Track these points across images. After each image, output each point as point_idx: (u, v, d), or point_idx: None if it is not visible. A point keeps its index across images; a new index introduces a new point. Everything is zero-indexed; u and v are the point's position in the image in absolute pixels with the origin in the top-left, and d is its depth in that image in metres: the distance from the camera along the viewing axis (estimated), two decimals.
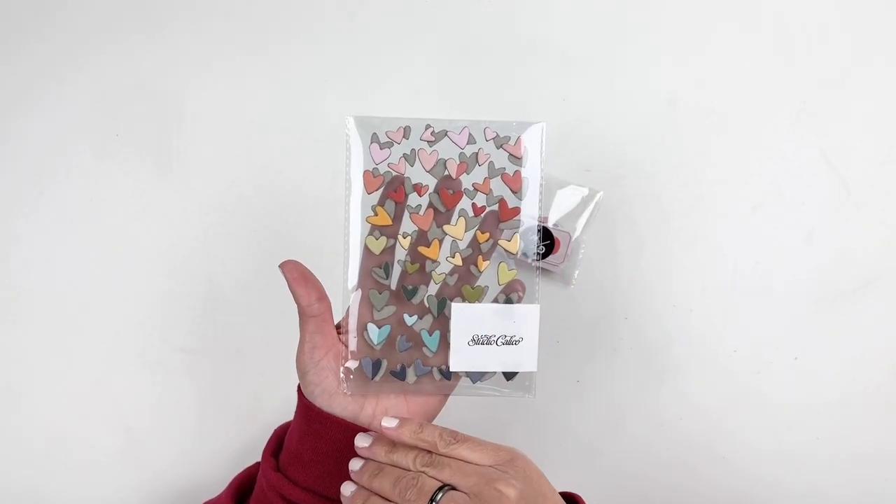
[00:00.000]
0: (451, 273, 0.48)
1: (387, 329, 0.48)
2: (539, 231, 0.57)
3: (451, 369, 0.48)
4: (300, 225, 0.68)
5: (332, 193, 0.68)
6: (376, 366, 0.48)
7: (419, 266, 0.48)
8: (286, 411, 0.62)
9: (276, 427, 0.53)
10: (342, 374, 0.48)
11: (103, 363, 0.66)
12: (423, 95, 0.68)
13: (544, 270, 0.64)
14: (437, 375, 0.48)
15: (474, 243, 0.48)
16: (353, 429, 0.46)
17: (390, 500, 0.41)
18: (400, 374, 0.48)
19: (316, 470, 0.47)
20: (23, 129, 0.67)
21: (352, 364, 0.48)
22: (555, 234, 0.62)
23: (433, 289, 0.48)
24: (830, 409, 0.63)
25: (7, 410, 0.66)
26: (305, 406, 0.47)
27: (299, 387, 0.49)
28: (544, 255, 0.61)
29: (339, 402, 0.47)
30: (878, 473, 0.63)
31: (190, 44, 0.68)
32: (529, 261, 0.49)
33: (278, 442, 0.51)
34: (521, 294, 0.48)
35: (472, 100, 0.66)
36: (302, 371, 0.47)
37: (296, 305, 0.47)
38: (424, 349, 0.48)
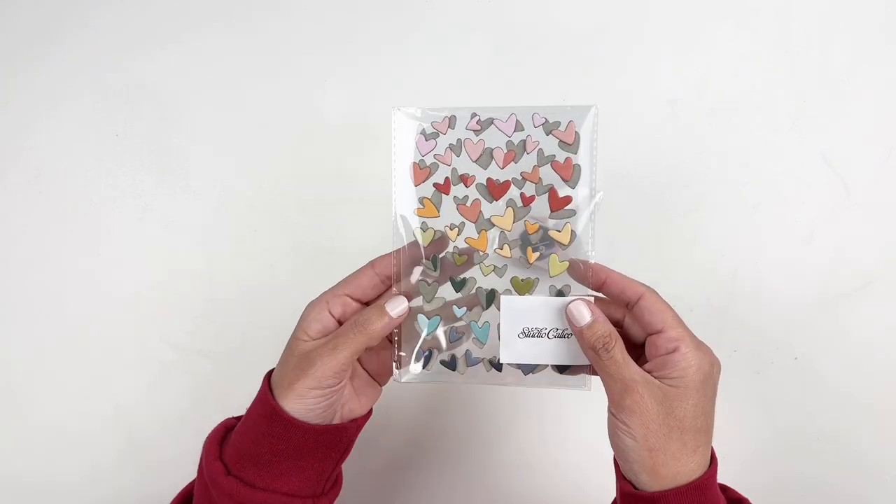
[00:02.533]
0: (501, 265, 0.47)
1: (436, 320, 0.48)
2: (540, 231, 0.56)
3: (501, 361, 0.47)
4: (300, 225, 0.68)
5: (333, 193, 0.67)
6: (427, 356, 0.48)
7: (467, 258, 0.47)
8: None
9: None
10: (394, 362, 0.48)
11: (103, 363, 0.65)
12: (420, 100, 0.67)
13: (544, 270, 0.64)
14: (487, 367, 0.48)
15: (524, 234, 0.47)
16: (316, 430, 0.45)
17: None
18: (451, 364, 0.48)
19: (275, 469, 0.46)
20: (23, 129, 0.67)
21: (404, 353, 0.48)
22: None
23: (482, 280, 0.48)
24: (830, 409, 0.63)
25: (7, 410, 0.65)
26: (272, 409, 0.45)
27: (268, 389, 0.46)
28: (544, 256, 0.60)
29: (314, 416, 0.45)
30: (878, 473, 0.63)
31: (190, 44, 0.67)
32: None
33: (221, 446, 0.48)
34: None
35: (472, 101, 0.65)
36: (321, 382, 0.44)
37: (344, 312, 0.46)
38: (474, 340, 0.48)
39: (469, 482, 0.65)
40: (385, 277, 0.47)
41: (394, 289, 0.47)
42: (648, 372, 0.43)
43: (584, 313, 0.44)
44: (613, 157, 0.63)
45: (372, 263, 0.48)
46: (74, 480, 0.64)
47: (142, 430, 0.64)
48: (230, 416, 0.50)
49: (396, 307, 0.45)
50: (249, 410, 0.47)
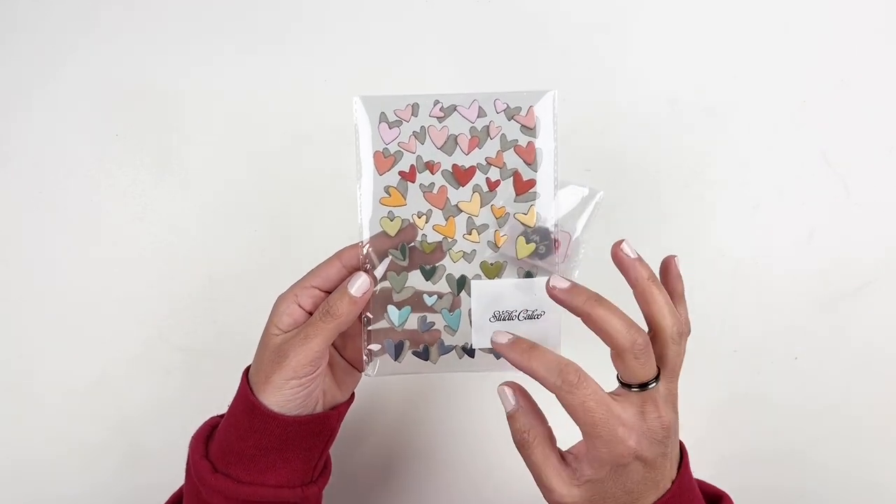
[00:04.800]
0: (469, 250, 0.47)
1: (407, 310, 0.47)
2: (539, 231, 0.57)
3: (473, 347, 0.47)
4: (301, 225, 0.68)
5: (333, 192, 0.67)
6: (399, 347, 0.47)
7: (437, 245, 0.47)
8: None
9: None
10: (365, 357, 0.47)
11: (103, 363, 0.65)
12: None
13: (543, 271, 0.64)
14: (459, 354, 0.48)
15: (491, 219, 0.47)
16: (297, 421, 0.45)
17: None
18: (423, 354, 0.48)
19: (260, 463, 0.46)
20: (23, 129, 0.67)
21: (375, 346, 0.47)
22: (555, 234, 0.61)
23: (452, 267, 0.48)
24: (830, 409, 0.63)
25: (7, 410, 0.66)
26: (251, 404, 0.45)
27: (247, 385, 0.46)
28: (544, 256, 0.61)
29: (294, 407, 0.46)
30: (877, 473, 0.63)
31: (190, 44, 0.67)
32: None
33: (207, 444, 0.49)
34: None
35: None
36: (296, 372, 0.44)
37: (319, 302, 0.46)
38: (446, 328, 0.48)
39: (467, 479, 0.66)
40: (352, 268, 0.47)
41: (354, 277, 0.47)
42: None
43: (505, 401, 0.44)
44: (613, 156, 0.64)
45: (339, 254, 0.47)
46: (74, 480, 0.65)
47: (141, 430, 0.64)
48: (214, 415, 0.51)
49: (356, 285, 0.45)
50: (231, 407, 0.48)
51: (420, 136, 0.47)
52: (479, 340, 0.47)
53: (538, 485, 0.43)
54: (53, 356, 0.66)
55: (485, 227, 0.48)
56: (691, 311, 0.60)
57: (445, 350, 0.48)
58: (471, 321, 0.47)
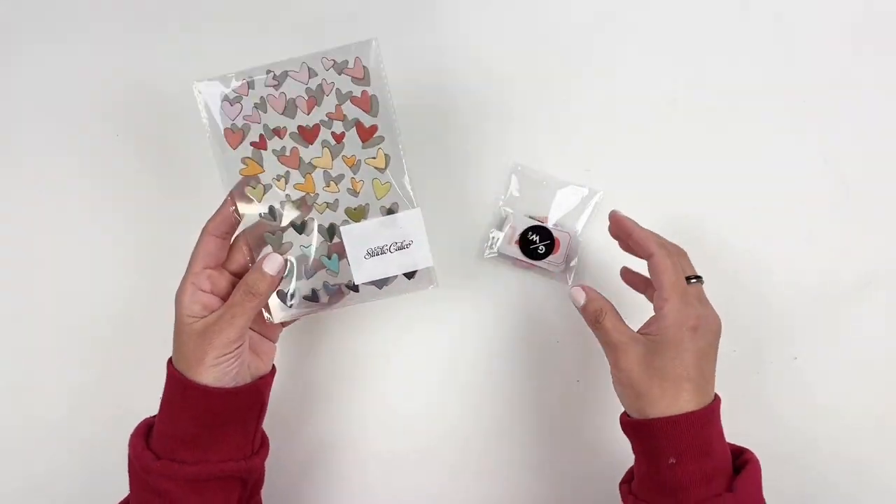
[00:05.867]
0: (332, 200, 0.52)
1: (290, 265, 0.53)
2: (538, 230, 0.61)
3: (356, 283, 0.53)
4: None
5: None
6: (291, 294, 0.53)
7: (300, 201, 0.52)
8: (285, 409, 0.64)
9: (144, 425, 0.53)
10: (262, 308, 0.52)
11: (103, 363, 0.65)
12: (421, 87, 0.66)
13: (544, 271, 0.65)
14: (345, 291, 0.54)
15: (345, 169, 0.52)
16: (233, 392, 0.50)
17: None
18: (313, 297, 0.53)
19: (202, 442, 0.50)
20: (23, 130, 0.67)
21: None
22: (555, 234, 0.62)
23: (319, 218, 0.53)
24: (830, 409, 0.63)
25: (7, 410, 0.66)
26: (186, 384, 0.49)
27: (176, 371, 0.50)
28: (544, 255, 0.62)
29: (230, 379, 0.50)
30: (877, 474, 0.63)
31: (190, 44, 0.67)
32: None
33: (146, 439, 0.52)
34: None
35: (473, 99, 0.66)
36: (227, 348, 0.49)
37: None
38: (328, 272, 0.53)
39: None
40: (223, 234, 0.51)
41: (265, 250, 0.52)
42: (646, 326, 0.50)
43: (578, 299, 0.52)
44: (613, 156, 0.64)
45: (205, 230, 0.51)
46: (74, 480, 0.65)
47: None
48: (147, 417, 0.54)
49: (273, 265, 0.50)
50: (164, 398, 0.51)
51: (261, 106, 0.51)
52: (360, 276, 0.53)
53: (610, 350, 0.50)
54: (53, 356, 0.66)
55: (341, 177, 0.52)
56: None
57: (331, 290, 0.53)
58: (349, 262, 0.53)
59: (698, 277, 0.51)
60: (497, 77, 0.66)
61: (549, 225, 0.62)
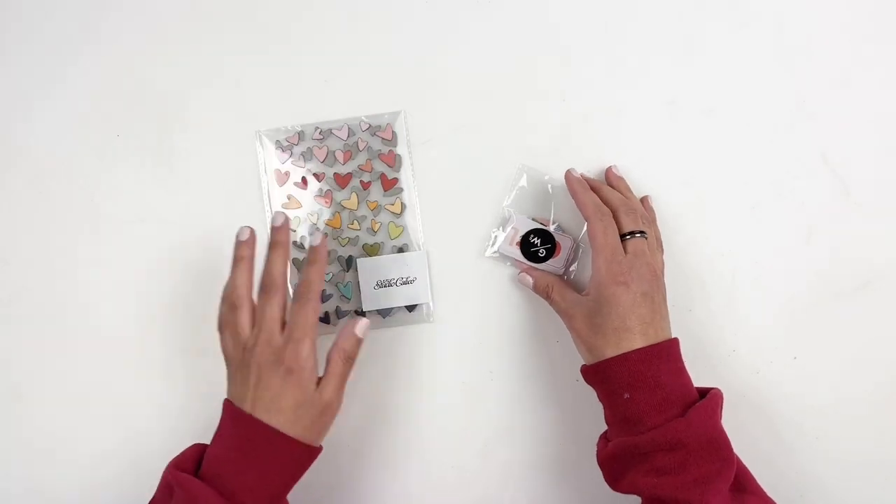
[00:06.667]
0: (353, 236, 0.62)
1: None
2: (539, 233, 0.61)
3: (363, 309, 0.61)
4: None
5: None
6: None
7: (326, 235, 0.62)
8: None
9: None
10: None
11: (104, 364, 0.65)
12: (416, 101, 0.66)
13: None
14: (352, 316, 0.62)
15: (367, 211, 0.62)
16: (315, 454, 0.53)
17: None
18: (325, 320, 0.62)
19: (266, 482, 0.50)
20: (23, 130, 0.67)
21: None
22: (557, 238, 0.62)
23: (341, 251, 0.62)
24: (830, 409, 0.63)
25: (7, 410, 0.66)
26: (313, 453, 0.52)
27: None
28: (545, 259, 0.62)
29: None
30: (878, 474, 0.63)
31: (190, 44, 0.67)
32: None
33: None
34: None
35: (476, 100, 0.66)
36: (336, 408, 0.52)
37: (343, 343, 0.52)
38: (341, 298, 0.62)
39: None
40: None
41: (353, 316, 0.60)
42: (588, 287, 0.56)
43: (527, 282, 0.61)
44: (613, 156, 0.64)
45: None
46: (74, 481, 0.65)
47: (142, 431, 0.65)
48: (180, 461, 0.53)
49: (362, 328, 0.53)
50: (259, 455, 0.50)
51: (307, 154, 0.63)
52: (368, 304, 0.61)
53: (562, 317, 0.57)
54: (54, 356, 0.66)
55: (363, 218, 0.62)
56: (690, 311, 0.64)
57: (342, 314, 0.62)
58: (360, 290, 0.62)
59: (638, 232, 0.56)
60: (500, 76, 0.66)
61: (552, 228, 0.62)
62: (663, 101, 0.65)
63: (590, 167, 0.64)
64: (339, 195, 0.63)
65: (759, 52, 0.65)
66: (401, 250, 0.62)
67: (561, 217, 0.64)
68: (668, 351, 0.52)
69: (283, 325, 0.51)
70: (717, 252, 0.64)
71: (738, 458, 0.52)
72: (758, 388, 0.63)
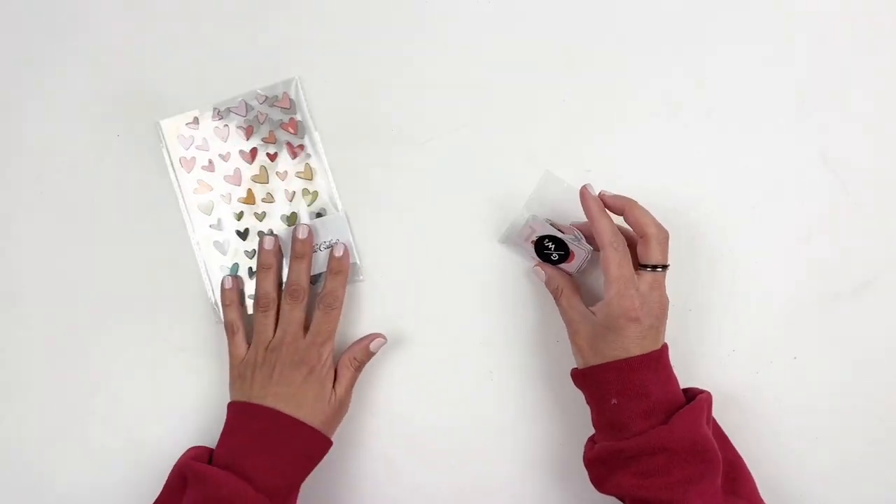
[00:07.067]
0: (270, 210, 0.62)
1: (236, 266, 0.62)
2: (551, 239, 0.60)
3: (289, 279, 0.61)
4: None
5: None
6: (248, 296, 0.62)
7: (241, 213, 0.62)
8: None
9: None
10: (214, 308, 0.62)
11: (103, 363, 0.65)
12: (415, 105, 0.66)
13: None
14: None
15: (278, 182, 0.62)
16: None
17: None
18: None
19: (283, 471, 0.55)
20: (23, 129, 0.67)
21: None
22: (571, 247, 0.60)
23: (259, 225, 0.62)
24: (830, 409, 0.64)
25: (7, 410, 0.66)
26: (327, 445, 0.58)
27: (313, 430, 0.56)
28: (557, 263, 0.61)
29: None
30: (878, 474, 0.64)
31: (190, 44, 0.67)
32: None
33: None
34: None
35: (476, 93, 0.66)
36: (347, 407, 0.60)
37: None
38: None
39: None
40: (276, 266, 0.61)
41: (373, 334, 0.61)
42: (598, 306, 0.55)
43: (541, 274, 0.60)
44: (613, 157, 0.65)
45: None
46: (74, 481, 0.65)
47: (142, 431, 0.65)
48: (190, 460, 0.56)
49: (378, 344, 0.61)
50: (281, 450, 0.55)
51: (209, 137, 0.63)
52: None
53: (566, 324, 0.57)
54: (53, 356, 0.66)
55: (276, 189, 0.62)
56: (690, 311, 0.64)
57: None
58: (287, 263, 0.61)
59: (660, 266, 0.55)
60: (500, 76, 0.66)
61: (569, 237, 0.60)
62: (663, 101, 0.65)
63: (590, 167, 0.65)
64: (248, 171, 0.62)
65: (759, 52, 0.66)
66: (319, 215, 0.62)
67: (578, 225, 0.62)
68: (657, 360, 0.54)
69: (305, 328, 0.58)
70: (717, 252, 0.64)
71: (743, 462, 0.54)
72: (758, 387, 0.64)
